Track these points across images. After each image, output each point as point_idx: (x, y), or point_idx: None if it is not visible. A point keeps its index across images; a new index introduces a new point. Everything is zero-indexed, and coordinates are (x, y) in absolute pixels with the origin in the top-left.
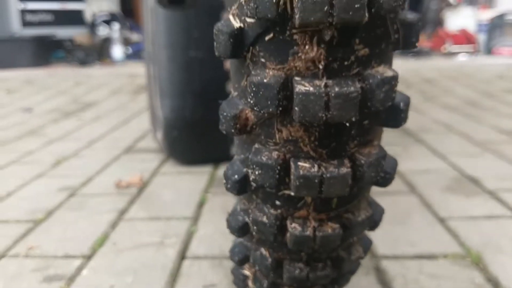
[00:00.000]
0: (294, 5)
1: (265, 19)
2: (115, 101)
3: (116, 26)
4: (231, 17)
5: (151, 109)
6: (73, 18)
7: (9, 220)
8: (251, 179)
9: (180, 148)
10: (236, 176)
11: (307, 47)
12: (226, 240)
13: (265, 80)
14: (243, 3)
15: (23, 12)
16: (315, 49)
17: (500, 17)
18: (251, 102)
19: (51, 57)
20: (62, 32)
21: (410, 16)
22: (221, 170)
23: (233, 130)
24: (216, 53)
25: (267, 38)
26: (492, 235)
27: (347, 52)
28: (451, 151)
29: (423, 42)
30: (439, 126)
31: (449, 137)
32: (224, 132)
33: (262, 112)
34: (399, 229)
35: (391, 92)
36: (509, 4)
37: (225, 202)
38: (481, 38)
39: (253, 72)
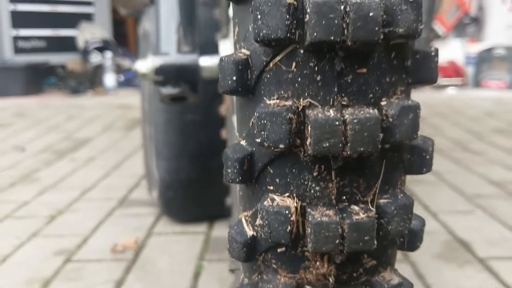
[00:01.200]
0: (306, 233)
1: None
2: (108, 139)
3: (108, 54)
4: (244, 222)
5: (146, 166)
6: (66, 44)
7: None
8: None
9: (175, 208)
10: None
11: (318, 263)
12: None
13: None
14: (258, 226)
15: (16, 38)
16: (325, 266)
17: (488, 50)
18: None
19: (43, 84)
20: (55, 59)
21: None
22: (216, 230)
23: None
24: (230, 255)
25: (279, 250)
26: None
27: (356, 266)
28: (442, 208)
29: None
30: (430, 175)
31: (440, 189)
32: None
33: None
34: None
35: None
36: (497, 38)
37: (220, 273)
38: (470, 70)
39: (265, 277)
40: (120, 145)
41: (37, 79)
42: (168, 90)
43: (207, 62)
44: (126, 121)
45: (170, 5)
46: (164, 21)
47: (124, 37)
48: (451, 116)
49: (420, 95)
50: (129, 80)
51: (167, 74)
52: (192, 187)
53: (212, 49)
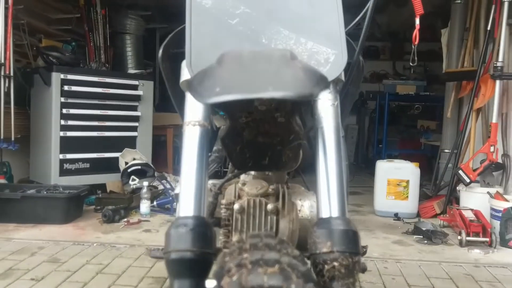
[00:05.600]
0: None
1: None
2: None
3: (145, 181)
4: None
5: None
6: (108, 165)
7: None
8: None
9: None
10: None
11: None
12: None
13: None
14: None
15: (62, 161)
16: None
17: None
18: None
19: (83, 204)
20: (96, 178)
21: None
22: None
23: None
24: None
25: None
26: None
27: None
28: None
29: (439, 215)
30: None
31: None
32: None
33: None
34: None
35: None
36: None
37: None
38: (496, 225)
39: None
40: None
41: (77, 205)
42: None
43: None
44: (149, 283)
45: None
46: None
47: (164, 145)
48: None
49: (443, 257)
50: (161, 204)
51: None
52: None
53: None
